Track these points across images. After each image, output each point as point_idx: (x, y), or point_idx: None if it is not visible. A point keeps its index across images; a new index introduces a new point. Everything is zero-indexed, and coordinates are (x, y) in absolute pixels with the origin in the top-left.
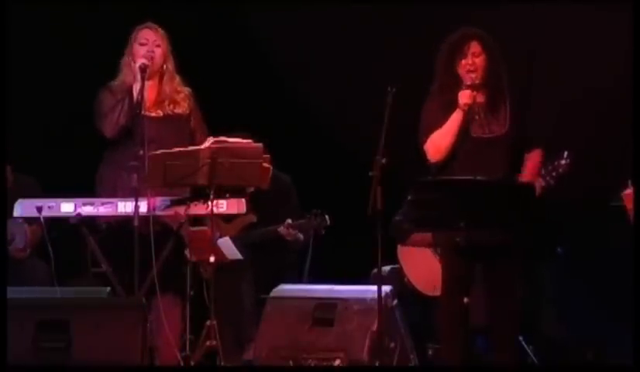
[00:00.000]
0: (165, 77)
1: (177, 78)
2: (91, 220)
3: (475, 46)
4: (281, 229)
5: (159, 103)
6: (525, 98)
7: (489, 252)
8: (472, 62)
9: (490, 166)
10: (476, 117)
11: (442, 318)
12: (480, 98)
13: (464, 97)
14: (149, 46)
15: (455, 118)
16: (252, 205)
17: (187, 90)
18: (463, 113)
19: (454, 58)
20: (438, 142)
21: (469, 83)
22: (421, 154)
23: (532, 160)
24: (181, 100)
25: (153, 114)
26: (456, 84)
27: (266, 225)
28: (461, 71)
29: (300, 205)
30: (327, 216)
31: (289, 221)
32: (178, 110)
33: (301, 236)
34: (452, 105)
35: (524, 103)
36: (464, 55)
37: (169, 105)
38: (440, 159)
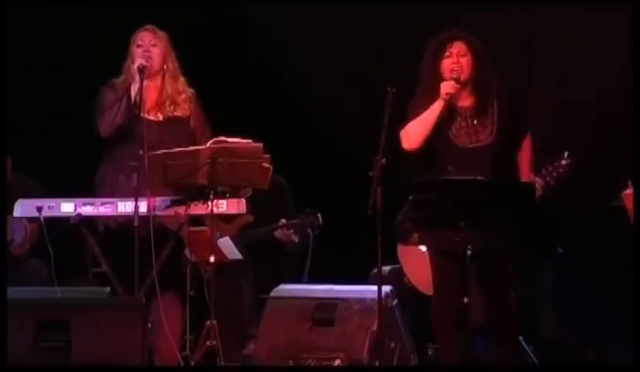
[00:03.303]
0: (166, 77)
1: (181, 79)
2: (90, 220)
3: (459, 46)
4: (277, 232)
5: (159, 105)
6: (518, 101)
7: (481, 255)
8: (456, 61)
9: (477, 174)
10: (462, 123)
11: (435, 320)
12: (467, 102)
13: (446, 87)
14: (145, 46)
15: (435, 108)
16: (249, 206)
17: (190, 91)
18: (444, 102)
19: (438, 58)
20: (413, 130)
21: (454, 76)
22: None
23: (524, 157)
24: (182, 101)
25: (153, 118)
26: (440, 83)
27: (263, 226)
28: (444, 71)
29: (295, 207)
30: (319, 215)
31: (283, 221)
32: (178, 112)
33: (295, 238)
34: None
35: (516, 106)
36: (448, 54)
37: (169, 105)
38: (414, 148)
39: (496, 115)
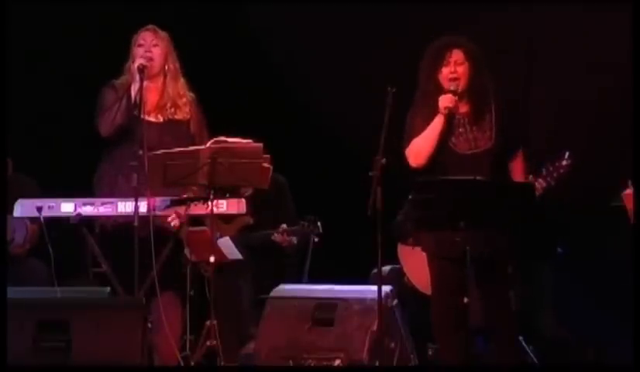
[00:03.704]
0: (168, 77)
1: (182, 80)
2: (91, 220)
3: (457, 55)
4: (275, 236)
5: (160, 107)
6: (515, 107)
7: (481, 255)
8: (454, 70)
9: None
10: (461, 129)
11: (435, 322)
12: (464, 108)
13: (445, 101)
14: (146, 46)
15: (436, 124)
16: (249, 207)
17: (190, 95)
18: (444, 117)
19: (436, 66)
20: (419, 148)
21: (451, 89)
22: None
23: (516, 167)
24: (183, 105)
25: (153, 119)
26: (438, 91)
27: (264, 227)
28: (442, 79)
29: (295, 207)
30: (319, 223)
31: (284, 226)
32: (179, 115)
33: (294, 240)
34: (434, 113)
35: (513, 112)
36: (446, 63)
37: (170, 108)
38: (421, 164)
39: (494, 119)
